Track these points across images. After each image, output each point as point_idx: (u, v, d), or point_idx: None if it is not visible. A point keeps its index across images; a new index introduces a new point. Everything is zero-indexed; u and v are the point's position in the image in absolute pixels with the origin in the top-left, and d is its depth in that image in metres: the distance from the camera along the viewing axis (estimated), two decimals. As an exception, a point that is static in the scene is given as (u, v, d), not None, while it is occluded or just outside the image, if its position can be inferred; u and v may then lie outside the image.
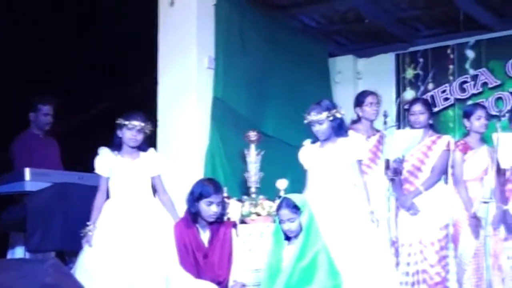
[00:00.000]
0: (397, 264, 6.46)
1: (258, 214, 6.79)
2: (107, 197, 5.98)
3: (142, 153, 6.09)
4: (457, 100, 9.49)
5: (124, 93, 9.35)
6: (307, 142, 6.15)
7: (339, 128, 5.97)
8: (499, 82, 9.27)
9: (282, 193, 6.58)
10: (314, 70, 9.46)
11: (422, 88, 9.78)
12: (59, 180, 6.60)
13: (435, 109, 9.22)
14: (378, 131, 6.90)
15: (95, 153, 6.07)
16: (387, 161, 6.50)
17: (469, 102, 9.05)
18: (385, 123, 6.41)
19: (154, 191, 6.12)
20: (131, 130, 5.97)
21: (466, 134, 6.80)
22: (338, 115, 5.95)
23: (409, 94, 9.85)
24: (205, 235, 5.58)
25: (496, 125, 6.07)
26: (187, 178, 6.54)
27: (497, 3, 8.71)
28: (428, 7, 8.85)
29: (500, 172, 6.39)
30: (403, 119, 9.56)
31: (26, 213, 6.34)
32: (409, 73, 9.91)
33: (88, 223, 5.84)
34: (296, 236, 5.28)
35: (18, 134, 7.41)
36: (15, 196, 6.61)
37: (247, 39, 8.23)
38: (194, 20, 7.67)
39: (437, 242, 6.42)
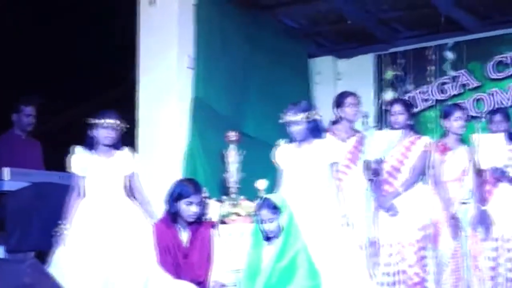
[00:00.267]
0: (377, 264, 6.47)
1: (238, 215, 6.79)
2: (82, 196, 5.95)
3: (116, 152, 6.05)
4: (437, 101, 9.54)
5: (106, 93, 9.33)
6: (282, 142, 6.16)
7: (316, 130, 5.98)
8: (478, 83, 9.32)
9: (262, 194, 6.58)
10: (294, 71, 9.47)
11: (402, 89, 9.82)
12: (39, 180, 6.58)
13: (415, 110, 9.24)
14: (358, 132, 6.90)
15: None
16: (367, 162, 6.51)
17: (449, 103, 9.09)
18: (364, 123, 6.41)
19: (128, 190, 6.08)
20: (106, 128, 5.93)
21: (444, 134, 6.81)
22: (315, 117, 5.96)
23: (389, 95, 9.88)
24: (184, 235, 5.59)
25: (476, 126, 6.10)
26: (167, 178, 6.53)
27: (477, 6, 8.75)
28: (409, 8, 8.87)
29: (479, 173, 6.41)
30: (383, 120, 9.59)
31: (5, 213, 6.31)
32: (389, 74, 9.95)
33: (61, 222, 5.81)
34: (276, 237, 5.29)
35: (0, 135, 7.38)
36: (-6, 196, 6.59)
37: (228, 39, 8.24)
38: (174, 19, 7.66)
39: (416, 242, 6.42)
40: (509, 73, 9.18)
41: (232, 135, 7.24)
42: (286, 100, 6.49)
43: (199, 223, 5.63)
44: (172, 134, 7.51)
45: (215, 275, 5.52)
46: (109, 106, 6.33)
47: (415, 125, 7.06)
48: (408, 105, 6.88)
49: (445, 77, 9.54)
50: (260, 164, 7.55)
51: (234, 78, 8.27)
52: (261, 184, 6.79)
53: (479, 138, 6.04)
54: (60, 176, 6.76)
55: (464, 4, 8.67)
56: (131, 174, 6.06)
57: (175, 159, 7.43)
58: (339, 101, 6.95)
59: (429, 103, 9.59)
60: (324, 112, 6.13)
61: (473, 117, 8.02)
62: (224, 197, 7.00)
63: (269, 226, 5.27)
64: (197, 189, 5.62)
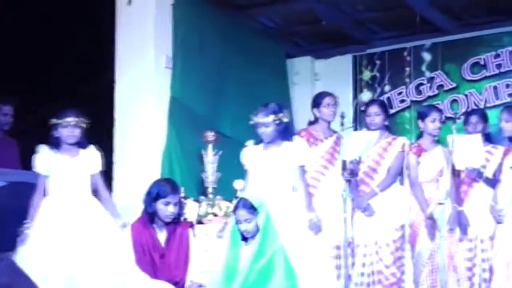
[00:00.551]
0: (353, 264, 6.50)
1: (215, 215, 6.80)
2: (45, 195, 5.92)
3: (81, 151, 6.02)
4: (413, 102, 9.58)
5: (83, 91, 9.28)
6: (250, 143, 6.14)
7: (285, 132, 5.95)
8: (454, 84, 9.38)
9: (239, 194, 6.58)
10: (272, 71, 9.48)
11: (378, 90, 9.85)
12: (15, 179, 6.55)
13: (392, 111, 9.28)
14: (335, 132, 6.91)
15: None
16: (344, 162, 6.52)
17: (425, 104, 9.13)
18: (342, 124, 6.43)
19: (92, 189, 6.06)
20: (66, 127, 5.92)
21: (419, 135, 6.83)
22: (285, 119, 5.94)
23: (366, 95, 9.91)
24: (162, 235, 5.58)
25: (452, 127, 6.12)
26: (144, 178, 6.53)
27: (453, 7, 8.80)
28: (385, 9, 8.90)
29: (455, 173, 6.44)
30: (360, 120, 9.61)
31: (-19, 213, 6.28)
32: (366, 74, 9.98)
33: (25, 221, 5.78)
34: (253, 237, 5.28)
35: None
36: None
37: (205, 39, 8.24)
38: (152, 19, 7.66)
39: (392, 243, 6.45)
40: (485, 75, 9.24)
41: (210, 135, 7.25)
42: (264, 100, 6.49)
43: (176, 223, 5.62)
44: (150, 134, 7.50)
45: (191, 275, 5.52)
46: (87, 105, 6.33)
47: (392, 126, 7.10)
48: (384, 106, 6.91)
49: (422, 78, 9.58)
50: (237, 164, 7.55)
51: (211, 78, 8.27)
52: (239, 184, 6.78)
53: (455, 139, 6.06)
54: (36, 175, 6.73)
55: (440, 4, 8.71)
56: (97, 173, 6.05)
57: (152, 159, 7.43)
58: (317, 101, 6.96)
59: (405, 104, 9.63)
60: (302, 112, 6.15)
61: (448, 118, 8.05)
62: (202, 197, 7.01)
63: (246, 226, 5.27)
64: (174, 189, 5.62)
